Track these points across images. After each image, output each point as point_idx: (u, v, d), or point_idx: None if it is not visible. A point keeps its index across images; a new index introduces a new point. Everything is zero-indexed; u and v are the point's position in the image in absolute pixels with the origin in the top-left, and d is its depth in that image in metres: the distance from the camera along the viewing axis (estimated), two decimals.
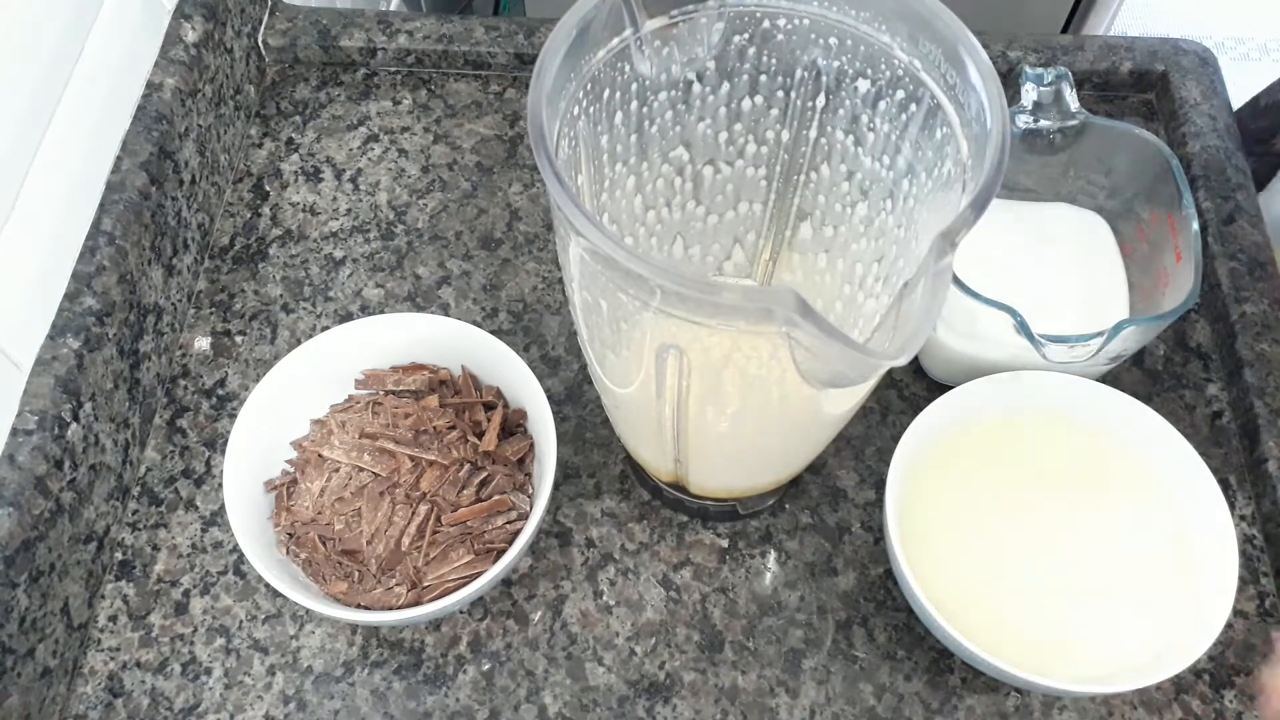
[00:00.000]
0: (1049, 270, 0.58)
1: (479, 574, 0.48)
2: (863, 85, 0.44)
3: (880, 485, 0.57)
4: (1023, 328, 0.49)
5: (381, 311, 0.62)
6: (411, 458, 0.52)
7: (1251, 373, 0.58)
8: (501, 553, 0.50)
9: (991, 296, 0.50)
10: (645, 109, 0.45)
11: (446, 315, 0.56)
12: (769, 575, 0.54)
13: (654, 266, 0.33)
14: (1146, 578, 0.50)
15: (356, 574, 0.50)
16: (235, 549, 0.55)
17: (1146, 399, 0.59)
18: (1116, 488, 0.52)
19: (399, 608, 0.49)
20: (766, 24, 0.43)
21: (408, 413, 0.53)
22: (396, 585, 0.50)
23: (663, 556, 0.55)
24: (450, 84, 0.72)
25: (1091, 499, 0.52)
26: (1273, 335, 0.59)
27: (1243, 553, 0.55)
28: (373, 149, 0.69)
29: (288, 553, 0.51)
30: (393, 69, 0.72)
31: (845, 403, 0.45)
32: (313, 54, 0.72)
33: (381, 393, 0.55)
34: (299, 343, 0.57)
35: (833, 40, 0.43)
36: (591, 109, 0.42)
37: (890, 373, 0.59)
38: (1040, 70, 0.55)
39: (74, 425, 0.50)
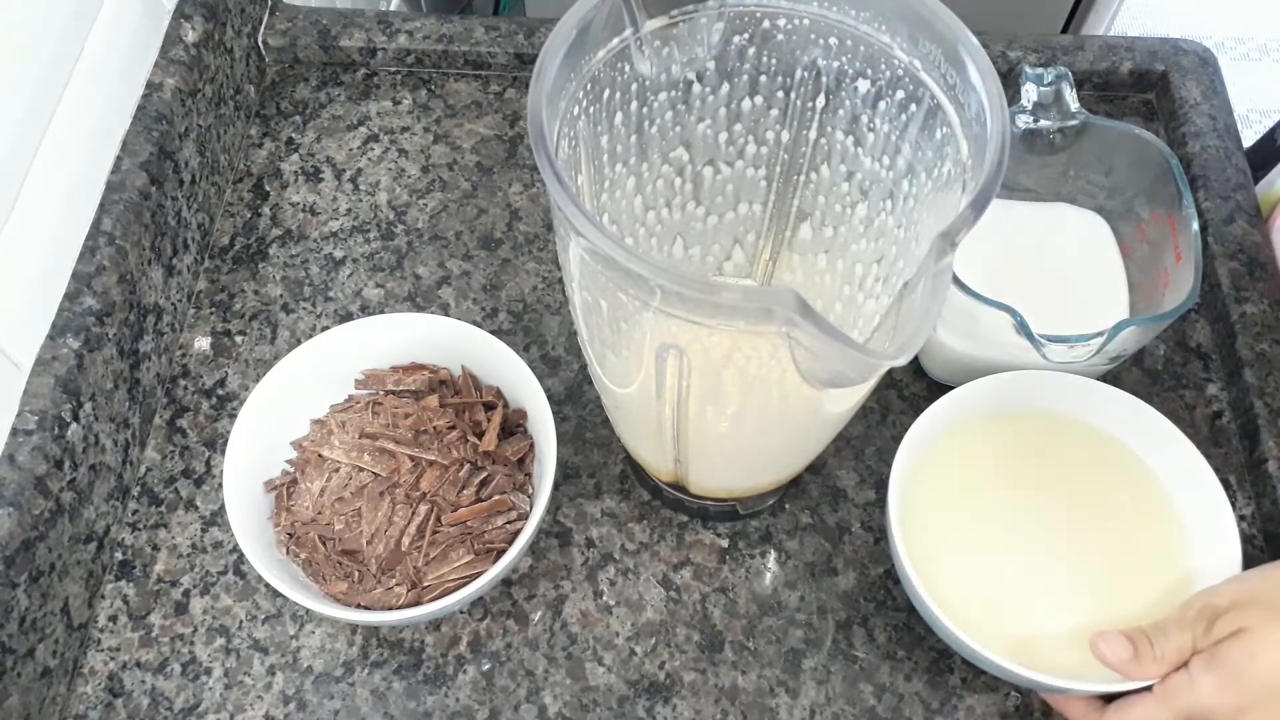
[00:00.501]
0: (1049, 270, 0.58)
1: (479, 574, 0.48)
2: (863, 85, 0.44)
3: (880, 485, 0.57)
4: (1023, 328, 0.49)
5: (381, 311, 0.62)
6: (411, 458, 0.52)
7: (1251, 373, 0.58)
8: (501, 553, 0.50)
9: (991, 296, 0.50)
10: (645, 109, 0.45)
11: (446, 315, 0.56)
12: (769, 575, 0.54)
13: (654, 266, 0.33)
14: (1149, 577, 0.50)
15: (356, 574, 0.50)
16: (235, 549, 0.55)
17: (1147, 399, 0.59)
18: (1118, 487, 0.52)
19: (399, 608, 0.49)
20: (766, 24, 0.43)
21: (408, 413, 0.53)
22: (396, 585, 0.50)
23: (663, 556, 0.55)
24: (450, 84, 0.72)
25: (1093, 498, 0.52)
26: (1273, 335, 0.59)
27: (1243, 553, 0.55)
28: (373, 149, 0.69)
29: (288, 553, 0.51)
30: (393, 69, 0.72)
31: (845, 403, 0.45)
32: (313, 54, 0.72)
33: (381, 393, 0.55)
34: (299, 343, 0.57)
35: (833, 40, 0.43)
36: (591, 109, 0.42)
37: (890, 373, 0.59)
38: (1040, 70, 0.55)
39: (74, 425, 0.50)
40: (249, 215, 0.66)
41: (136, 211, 0.56)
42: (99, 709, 0.51)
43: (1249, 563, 0.55)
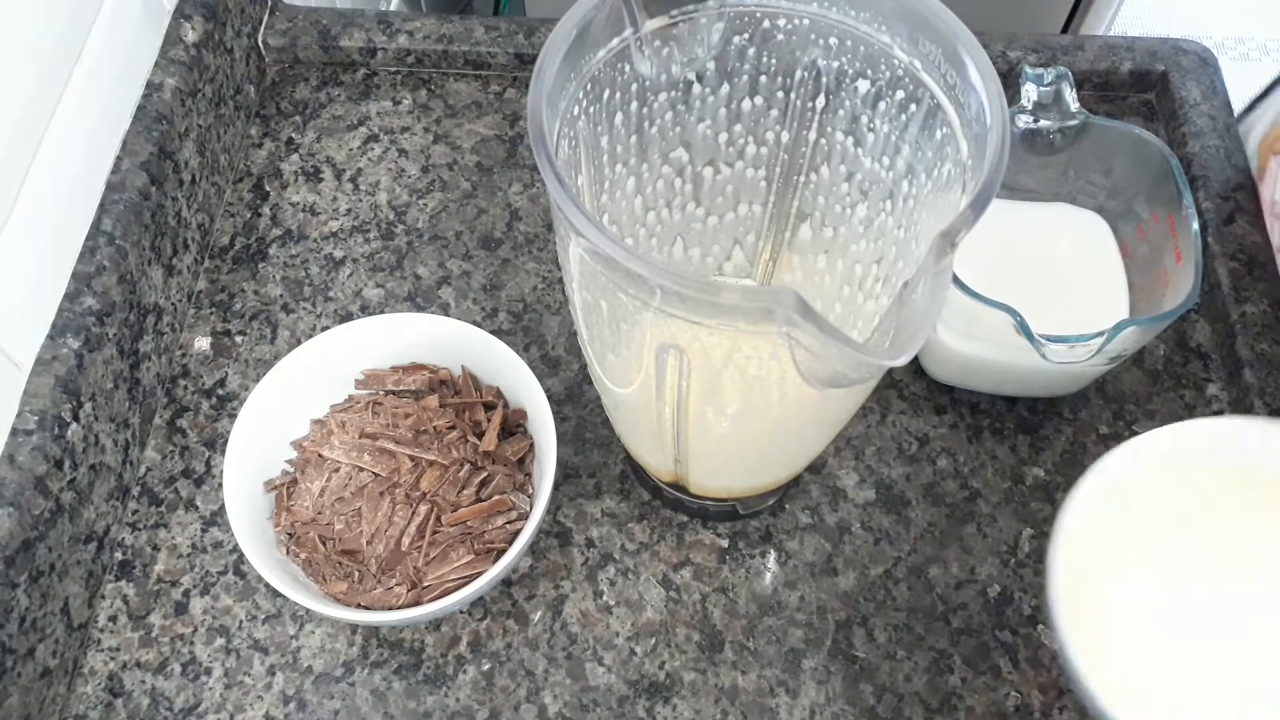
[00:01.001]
0: (1049, 270, 0.58)
1: (479, 574, 0.48)
2: (863, 86, 0.44)
3: (880, 485, 0.57)
4: (1023, 328, 0.49)
5: (381, 311, 0.62)
6: (411, 458, 0.52)
7: (1251, 373, 0.58)
8: (501, 553, 0.50)
9: (991, 296, 0.50)
10: (645, 109, 0.45)
11: (446, 315, 0.56)
12: (769, 575, 0.54)
13: (654, 266, 0.33)
14: None
15: (356, 574, 0.50)
16: (235, 549, 0.55)
17: (1147, 399, 0.60)
18: None
19: (399, 608, 0.49)
20: (766, 24, 0.43)
21: (408, 413, 0.53)
22: (396, 585, 0.50)
23: (663, 556, 0.55)
24: (450, 84, 0.72)
25: None
26: (1273, 335, 0.59)
27: None
28: (373, 149, 0.69)
29: (288, 553, 0.51)
30: (393, 69, 0.72)
31: (845, 403, 0.45)
32: (313, 54, 0.72)
33: (381, 393, 0.55)
34: (299, 343, 0.57)
35: (833, 40, 0.43)
36: (591, 109, 0.42)
37: (890, 373, 0.60)
38: (1040, 70, 0.55)
39: (74, 425, 0.50)
40: (249, 215, 0.66)
41: (136, 211, 0.56)
42: (99, 709, 0.51)
43: None
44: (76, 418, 0.51)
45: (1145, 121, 0.70)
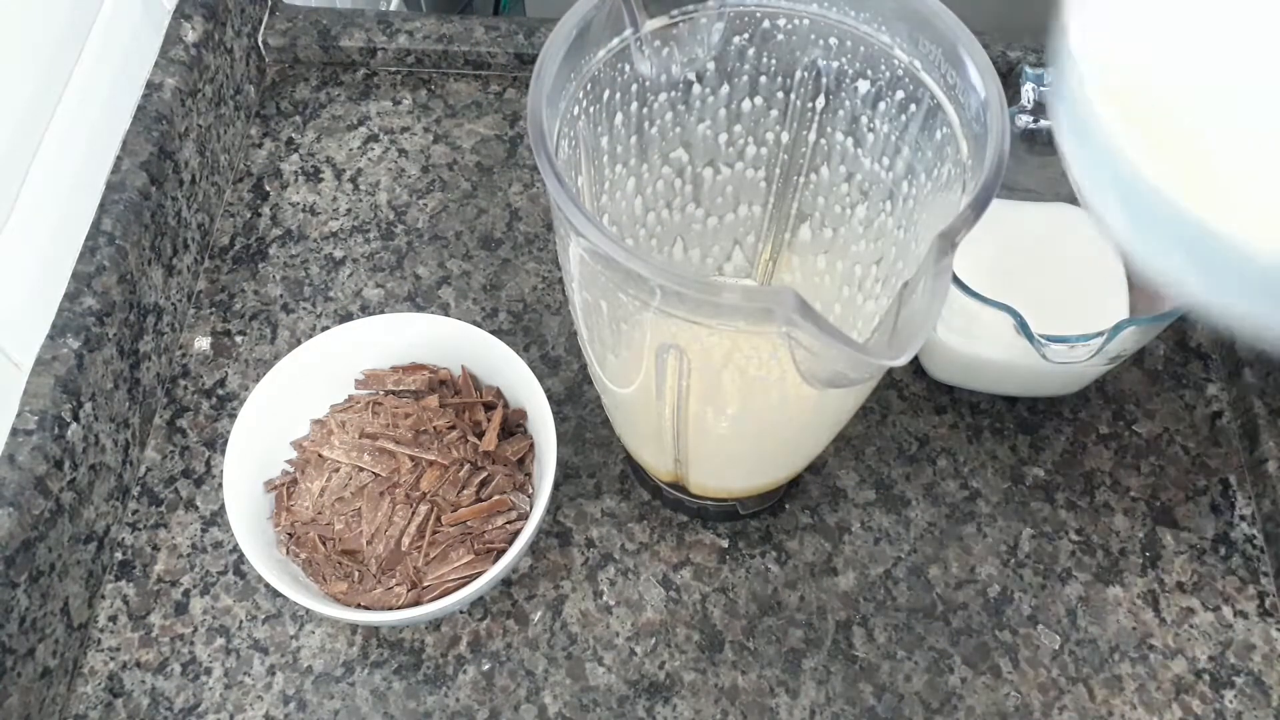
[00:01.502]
0: (1049, 270, 0.58)
1: (479, 574, 0.48)
2: (862, 86, 0.44)
3: (880, 485, 0.57)
4: (1023, 328, 0.49)
5: (381, 311, 0.62)
6: (411, 458, 0.52)
7: (1251, 373, 0.58)
8: (501, 553, 0.50)
9: (991, 296, 0.50)
10: (645, 110, 0.45)
11: (446, 315, 0.56)
12: (769, 575, 0.54)
13: (654, 266, 0.33)
14: None
15: (356, 574, 0.50)
16: (235, 549, 0.55)
17: (1147, 399, 0.60)
18: None
19: (399, 608, 0.49)
20: (766, 24, 0.43)
21: (408, 413, 0.53)
22: (396, 585, 0.50)
23: (663, 556, 0.55)
24: (450, 84, 0.72)
25: None
26: None
27: (1242, 553, 0.55)
28: (373, 149, 0.69)
29: (288, 553, 0.51)
30: (393, 69, 0.72)
31: (845, 403, 0.45)
32: (313, 54, 0.72)
33: (381, 393, 0.55)
34: (299, 343, 0.57)
35: (833, 40, 0.43)
36: (591, 109, 0.42)
37: (890, 373, 0.60)
38: (1040, 70, 0.55)
39: (74, 425, 0.50)
40: (249, 215, 0.66)
41: (136, 211, 0.56)
42: (99, 709, 0.51)
43: (1248, 563, 0.55)
44: (76, 418, 0.51)
45: None
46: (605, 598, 0.54)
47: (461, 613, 0.53)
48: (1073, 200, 0.60)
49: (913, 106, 0.42)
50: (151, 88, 0.60)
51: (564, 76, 0.39)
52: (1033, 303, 0.50)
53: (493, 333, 0.54)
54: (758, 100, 0.47)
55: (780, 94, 0.46)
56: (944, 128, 0.40)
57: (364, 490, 0.51)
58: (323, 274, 0.64)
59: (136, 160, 0.57)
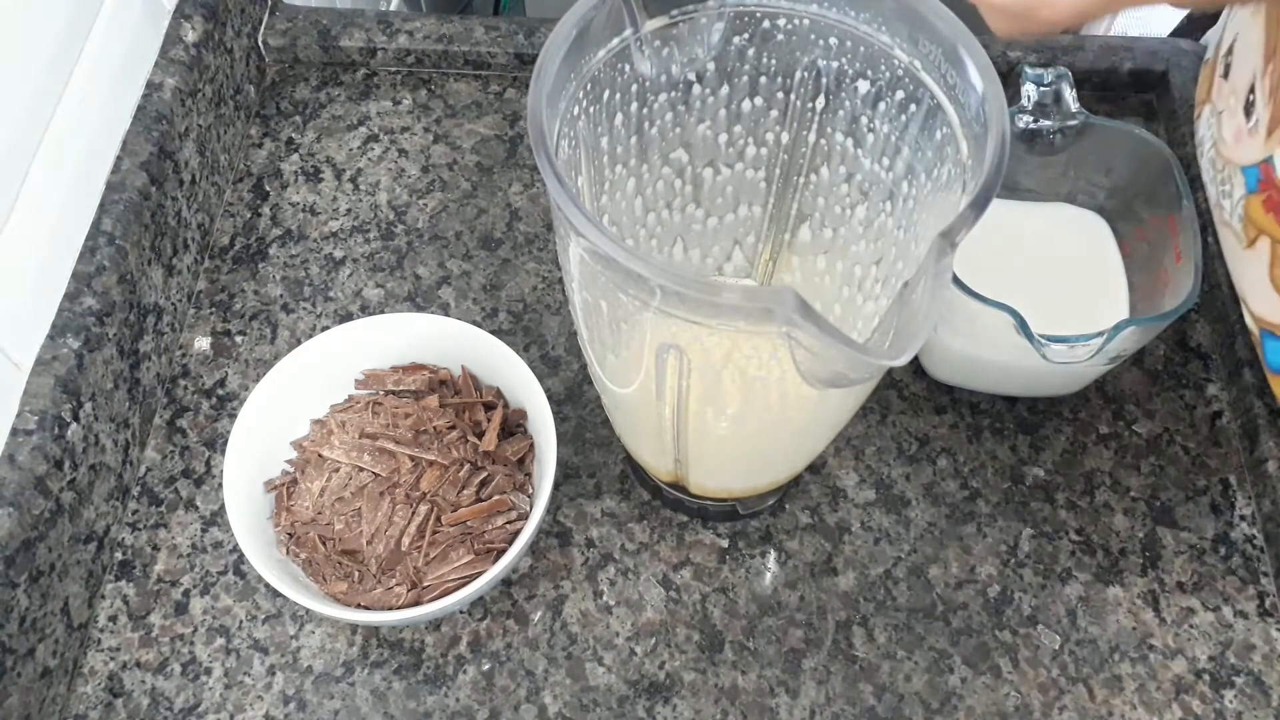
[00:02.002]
0: (1049, 270, 0.58)
1: (479, 574, 0.48)
2: (862, 86, 0.44)
3: (880, 485, 0.57)
4: (1023, 328, 0.49)
5: (381, 311, 0.62)
6: (411, 458, 0.52)
7: (1251, 373, 0.58)
8: (501, 553, 0.50)
9: (991, 296, 0.50)
10: (645, 110, 0.45)
11: (446, 315, 0.56)
12: (769, 575, 0.54)
13: (654, 266, 0.33)
14: None
15: (356, 574, 0.50)
16: (235, 549, 0.55)
17: (1147, 399, 0.60)
18: None
19: (399, 608, 0.49)
20: (766, 24, 0.43)
21: (408, 413, 0.53)
22: (396, 585, 0.50)
23: (663, 556, 0.55)
24: (450, 84, 0.72)
25: None
26: None
27: (1242, 553, 0.55)
28: (373, 149, 0.69)
29: (288, 553, 0.51)
30: (393, 69, 0.72)
31: (845, 403, 0.45)
32: (313, 54, 0.72)
33: (381, 393, 0.55)
34: (299, 343, 0.57)
35: (833, 41, 0.43)
36: (591, 109, 0.42)
37: (890, 373, 0.60)
38: (1040, 70, 0.55)
39: (74, 425, 0.50)
40: (249, 215, 0.66)
41: (136, 211, 0.56)
42: (99, 709, 0.51)
43: (1248, 563, 0.55)
44: (76, 418, 0.51)
45: (1145, 121, 0.70)
46: (605, 598, 0.54)
47: (461, 613, 0.53)
48: (1073, 200, 0.60)
49: (913, 106, 0.42)
50: (151, 88, 0.60)
51: (564, 76, 0.39)
52: (1033, 303, 0.50)
53: (493, 333, 0.54)
54: (758, 100, 0.47)
55: (780, 94, 0.46)
56: (944, 128, 0.40)
57: (364, 490, 0.51)
58: (323, 274, 0.64)
59: (136, 160, 0.57)
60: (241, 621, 0.53)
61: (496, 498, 0.51)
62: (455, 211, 0.66)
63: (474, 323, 0.57)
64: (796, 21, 0.43)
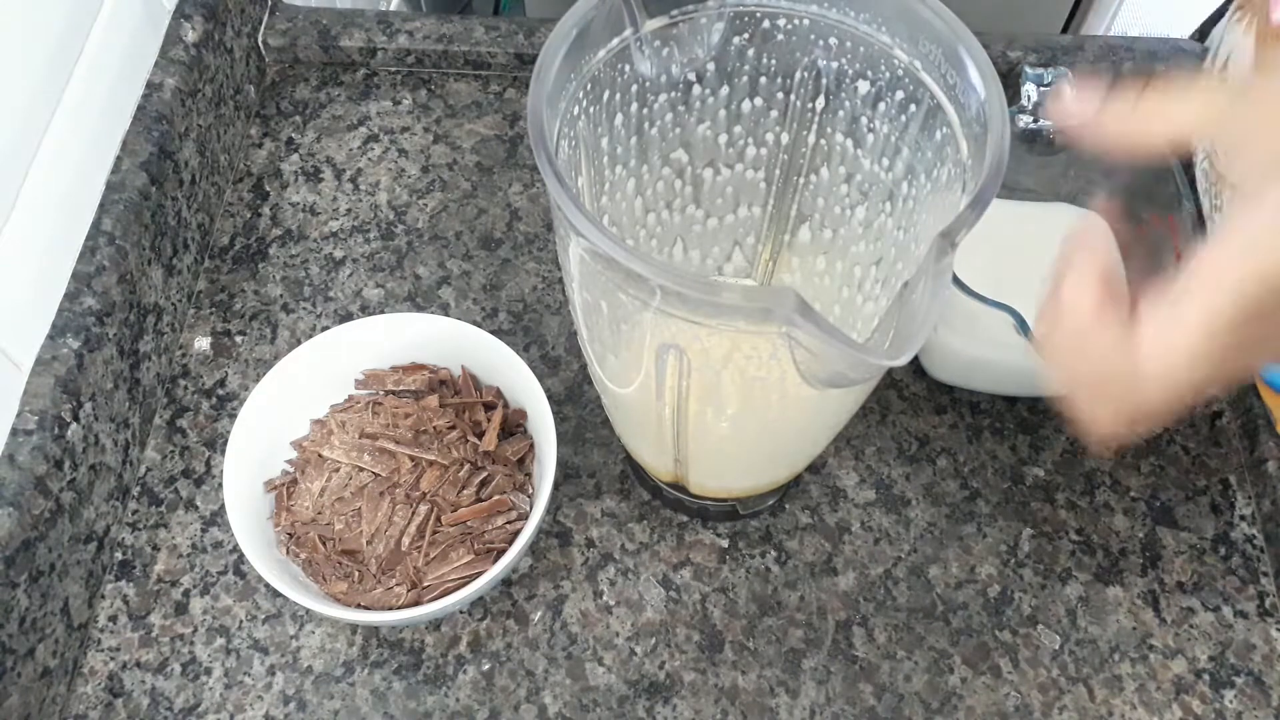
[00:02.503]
0: (1049, 270, 0.57)
1: (479, 574, 0.48)
2: (862, 86, 0.44)
3: (880, 485, 0.57)
4: (1023, 328, 0.49)
5: (381, 311, 0.62)
6: (411, 458, 0.52)
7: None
8: (501, 553, 0.50)
9: (991, 296, 0.50)
10: (645, 110, 0.45)
11: (446, 315, 0.56)
12: (769, 575, 0.54)
13: (654, 266, 0.33)
14: None
15: (356, 574, 0.50)
16: (235, 549, 0.55)
17: None
18: None
19: (399, 608, 0.49)
20: (766, 24, 0.43)
21: (408, 413, 0.53)
22: (396, 585, 0.50)
23: (663, 556, 0.55)
24: (450, 84, 0.72)
25: None
26: None
27: (1242, 553, 0.55)
28: (373, 149, 0.69)
29: (288, 553, 0.51)
30: (393, 69, 0.72)
31: (845, 403, 0.45)
32: (313, 54, 0.72)
33: (381, 393, 0.55)
34: (299, 343, 0.57)
35: (833, 41, 0.43)
36: (591, 110, 0.42)
37: (890, 373, 0.60)
38: (1040, 70, 0.55)
39: (74, 425, 0.50)
40: (249, 215, 0.66)
41: (136, 211, 0.56)
42: (99, 709, 0.51)
43: (1248, 563, 0.55)
44: (76, 418, 0.51)
45: None
46: (605, 598, 0.54)
47: (461, 613, 0.53)
48: (1073, 200, 0.60)
49: (913, 107, 0.42)
50: (151, 88, 0.60)
51: (564, 77, 0.39)
52: (1033, 303, 0.50)
53: (493, 333, 0.54)
54: (758, 101, 0.47)
55: (780, 95, 0.46)
56: (944, 128, 0.40)
57: (364, 490, 0.51)
58: (323, 274, 0.64)
59: (136, 160, 0.57)
60: (241, 621, 0.53)
61: (496, 498, 0.51)
62: (455, 211, 0.66)
63: (474, 323, 0.57)
64: (796, 21, 0.43)
